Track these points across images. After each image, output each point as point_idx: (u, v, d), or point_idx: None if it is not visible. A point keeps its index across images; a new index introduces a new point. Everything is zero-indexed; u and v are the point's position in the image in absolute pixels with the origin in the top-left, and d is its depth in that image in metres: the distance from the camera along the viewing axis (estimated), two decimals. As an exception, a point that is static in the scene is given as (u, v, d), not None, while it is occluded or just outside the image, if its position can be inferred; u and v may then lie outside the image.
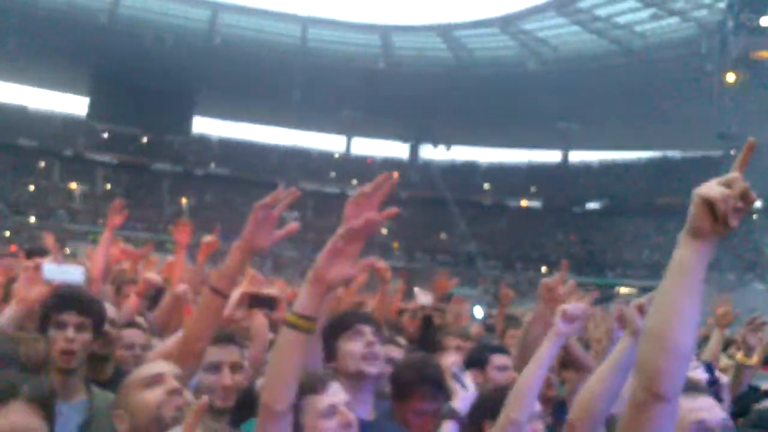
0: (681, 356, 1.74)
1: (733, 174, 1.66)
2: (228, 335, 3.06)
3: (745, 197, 1.65)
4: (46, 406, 1.91)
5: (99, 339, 3.04)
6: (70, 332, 2.87)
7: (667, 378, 1.74)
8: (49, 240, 5.73)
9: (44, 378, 2.46)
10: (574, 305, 2.83)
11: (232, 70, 50.85)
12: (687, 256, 1.70)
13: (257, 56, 51.23)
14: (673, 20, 44.67)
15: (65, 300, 2.97)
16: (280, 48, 52.42)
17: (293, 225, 2.52)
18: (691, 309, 1.71)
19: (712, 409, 2.23)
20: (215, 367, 2.91)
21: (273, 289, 3.69)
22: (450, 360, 3.20)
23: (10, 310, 3.17)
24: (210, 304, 2.65)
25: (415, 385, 3.06)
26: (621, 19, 46.05)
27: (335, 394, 2.36)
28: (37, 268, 3.16)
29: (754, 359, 4.44)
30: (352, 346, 2.77)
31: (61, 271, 3.16)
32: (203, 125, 59.80)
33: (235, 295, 3.03)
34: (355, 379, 2.73)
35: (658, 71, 44.54)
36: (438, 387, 3.05)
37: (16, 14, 45.74)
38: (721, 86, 40.32)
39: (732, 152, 43.36)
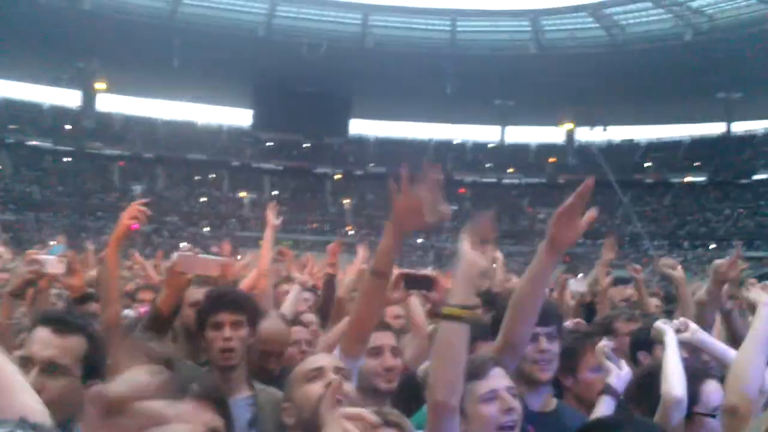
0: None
1: None
2: (382, 322, 3.14)
3: None
4: (218, 401, 1.84)
5: (254, 333, 3.13)
6: (227, 331, 2.99)
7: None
8: (225, 248, 6.05)
9: (211, 375, 2.67)
10: None
11: (385, 70, 51.98)
12: None
13: (408, 54, 52.34)
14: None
15: (219, 301, 3.10)
16: (430, 43, 53.46)
17: (447, 209, 2.50)
18: None
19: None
20: (377, 351, 2.98)
21: (427, 270, 3.76)
22: (602, 342, 3.13)
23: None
24: (373, 287, 2.64)
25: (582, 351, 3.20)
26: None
27: (496, 378, 2.36)
28: (178, 264, 3.23)
29: None
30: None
31: (198, 263, 3.20)
32: (360, 127, 61.47)
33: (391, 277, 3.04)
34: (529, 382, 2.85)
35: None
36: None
37: (179, 35, 48.87)
38: None
39: None
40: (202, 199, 54.43)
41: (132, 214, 3.43)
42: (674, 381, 2.59)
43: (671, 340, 2.83)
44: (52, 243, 23.59)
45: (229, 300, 3.10)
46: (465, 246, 2.24)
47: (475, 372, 2.33)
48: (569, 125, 58.61)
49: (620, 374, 2.91)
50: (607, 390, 2.87)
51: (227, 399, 1.89)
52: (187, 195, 53.83)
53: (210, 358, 3.06)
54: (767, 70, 45.34)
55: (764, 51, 44.18)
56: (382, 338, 3.01)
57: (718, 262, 3.62)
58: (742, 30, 46.36)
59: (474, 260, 2.21)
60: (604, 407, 2.82)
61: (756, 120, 55.51)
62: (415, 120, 60.89)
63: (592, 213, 2.45)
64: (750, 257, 40.99)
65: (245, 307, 3.10)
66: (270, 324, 3.45)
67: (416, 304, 3.77)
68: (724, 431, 2.53)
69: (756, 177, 53.60)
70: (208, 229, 50.67)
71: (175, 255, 3.40)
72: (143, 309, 4.70)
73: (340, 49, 51.79)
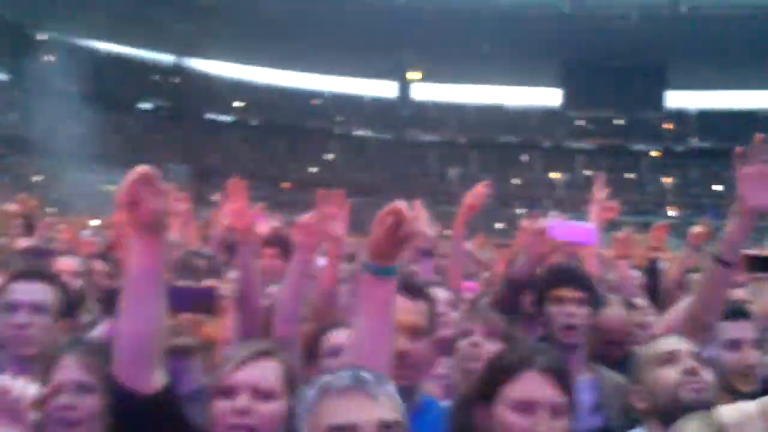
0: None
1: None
2: (745, 310, 2.87)
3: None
4: (561, 377, 1.87)
5: (594, 314, 2.99)
6: (571, 307, 2.89)
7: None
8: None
9: (555, 352, 2.34)
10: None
11: (703, 36, 45.80)
12: None
13: (728, 17, 46.42)
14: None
15: (562, 276, 3.00)
16: (751, 3, 46.78)
17: None
18: None
19: None
20: (734, 344, 2.71)
21: None
22: None
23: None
24: (717, 275, 2.49)
25: None
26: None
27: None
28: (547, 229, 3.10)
29: None
30: None
31: (571, 230, 3.02)
32: (677, 99, 56.32)
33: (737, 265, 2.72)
34: None
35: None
36: None
37: (489, 21, 49.83)
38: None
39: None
40: (515, 182, 54.37)
41: (475, 197, 4.04)
42: None
43: None
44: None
45: (572, 276, 3.01)
46: None
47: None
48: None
49: None
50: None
51: (570, 376, 1.93)
52: (500, 178, 53.73)
53: (550, 334, 2.96)
54: None
55: None
56: (740, 330, 2.73)
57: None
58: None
59: None
60: None
61: None
62: (740, 88, 53.65)
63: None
64: None
65: (588, 286, 2.99)
66: (614, 312, 3.36)
67: None
68: None
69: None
70: (522, 210, 50.22)
71: (545, 220, 3.23)
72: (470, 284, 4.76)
73: (651, 17, 47.23)
